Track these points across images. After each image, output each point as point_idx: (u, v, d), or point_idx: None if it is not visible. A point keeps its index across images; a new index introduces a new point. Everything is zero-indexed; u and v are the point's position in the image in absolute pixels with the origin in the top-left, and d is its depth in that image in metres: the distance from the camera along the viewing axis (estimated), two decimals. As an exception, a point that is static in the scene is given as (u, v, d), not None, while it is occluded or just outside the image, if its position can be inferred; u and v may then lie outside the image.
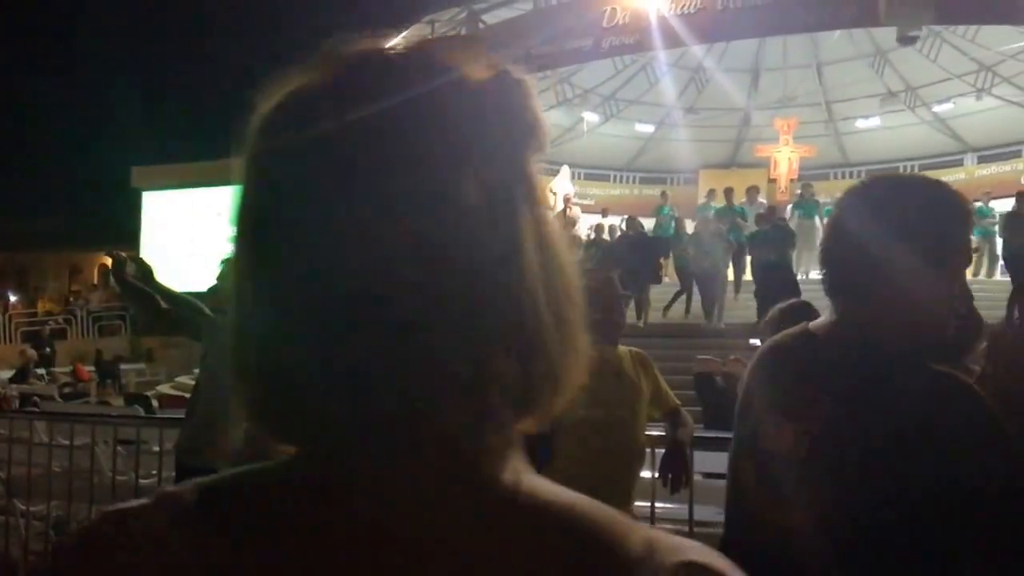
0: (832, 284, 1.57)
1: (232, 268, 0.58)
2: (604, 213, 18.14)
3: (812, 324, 1.63)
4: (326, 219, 0.52)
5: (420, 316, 0.52)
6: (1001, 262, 14.04)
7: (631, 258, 12.48)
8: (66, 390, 16.05)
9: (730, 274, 13.91)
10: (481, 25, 18.66)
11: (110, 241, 15.22)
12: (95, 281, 29.50)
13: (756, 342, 4.58)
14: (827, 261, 1.57)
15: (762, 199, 15.31)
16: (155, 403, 11.64)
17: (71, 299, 26.51)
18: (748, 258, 13.04)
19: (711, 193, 16.63)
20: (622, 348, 3.49)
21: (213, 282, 4.74)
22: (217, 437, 3.71)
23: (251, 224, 0.57)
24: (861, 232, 1.50)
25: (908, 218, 1.45)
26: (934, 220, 1.46)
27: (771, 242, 12.07)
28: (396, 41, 0.59)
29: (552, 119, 23.31)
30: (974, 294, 2.77)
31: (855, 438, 1.41)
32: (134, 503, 0.59)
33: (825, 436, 1.43)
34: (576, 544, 0.54)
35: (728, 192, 15.03)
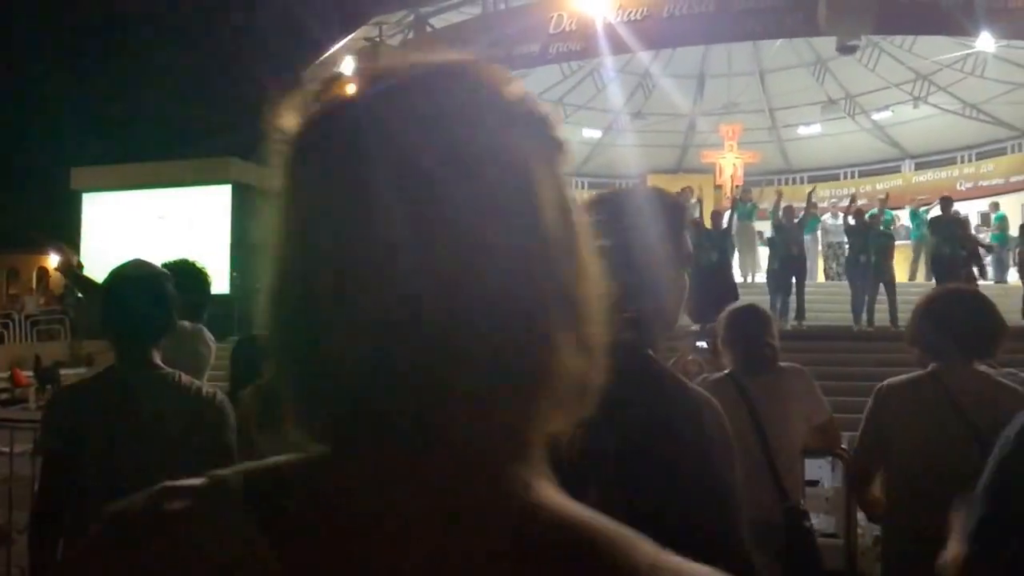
0: None
1: (274, 274, 0.57)
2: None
3: None
4: (378, 234, 0.52)
5: (458, 327, 0.52)
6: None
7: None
8: (3, 396, 15.62)
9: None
10: (429, 29, 18.64)
11: (49, 244, 14.82)
12: (33, 285, 28.77)
13: (703, 344, 4.64)
14: None
15: (692, 201, 15.53)
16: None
17: (8, 302, 25.82)
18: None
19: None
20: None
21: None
22: None
23: (298, 235, 0.56)
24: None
25: (636, 224, 1.53)
26: (658, 222, 1.55)
27: (696, 247, 12.26)
28: (401, 55, 0.59)
29: (500, 123, 23.34)
30: (912, 297, 2.85)
31: (612, 443, 1.41)
32: (184, 484, 0.58)
33: (587, 441, 1.40)
34: (579, 562, 0.53)
35: (678, 195, 15.19)
